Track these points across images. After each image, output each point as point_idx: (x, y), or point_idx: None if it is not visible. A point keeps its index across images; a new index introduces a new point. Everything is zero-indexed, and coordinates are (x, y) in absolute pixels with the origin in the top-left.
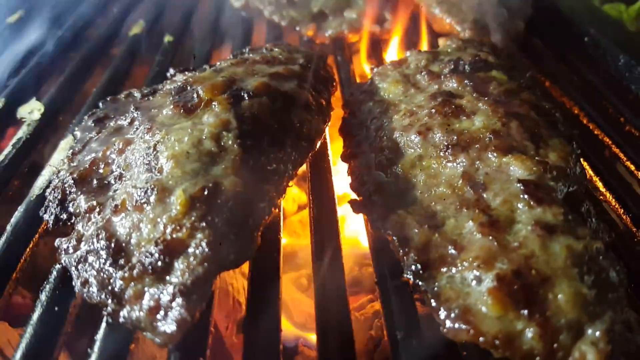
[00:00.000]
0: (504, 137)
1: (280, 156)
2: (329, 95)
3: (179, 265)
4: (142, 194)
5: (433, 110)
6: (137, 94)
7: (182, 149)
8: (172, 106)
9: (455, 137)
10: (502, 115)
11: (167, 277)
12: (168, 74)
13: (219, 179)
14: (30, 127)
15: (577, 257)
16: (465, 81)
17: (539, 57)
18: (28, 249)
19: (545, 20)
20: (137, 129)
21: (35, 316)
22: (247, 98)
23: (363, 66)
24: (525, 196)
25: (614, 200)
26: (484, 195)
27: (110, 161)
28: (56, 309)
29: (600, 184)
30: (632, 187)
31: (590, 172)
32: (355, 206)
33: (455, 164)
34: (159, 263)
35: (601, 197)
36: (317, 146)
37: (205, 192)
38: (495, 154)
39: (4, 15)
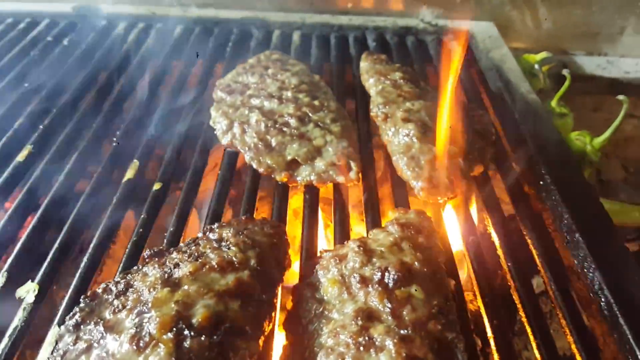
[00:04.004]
0: None
1: None
2: (273, 300)
3: None
4: None
5: (350, 340)
6: (113, 288)
7: None
8: (127, 342)
9: None
10: None
11: None
12: (145, 254)
13: None
14: (25, 311)
15: None
16: (385, 300)
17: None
18: None
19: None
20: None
21: None
22: (189, 337)
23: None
24: None
25: None
26: None
27: None
28: None
29: None
30: None
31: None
32: None
33: None
34: None
35: None
36: None
37: None
38: None
39: (15, 151)
